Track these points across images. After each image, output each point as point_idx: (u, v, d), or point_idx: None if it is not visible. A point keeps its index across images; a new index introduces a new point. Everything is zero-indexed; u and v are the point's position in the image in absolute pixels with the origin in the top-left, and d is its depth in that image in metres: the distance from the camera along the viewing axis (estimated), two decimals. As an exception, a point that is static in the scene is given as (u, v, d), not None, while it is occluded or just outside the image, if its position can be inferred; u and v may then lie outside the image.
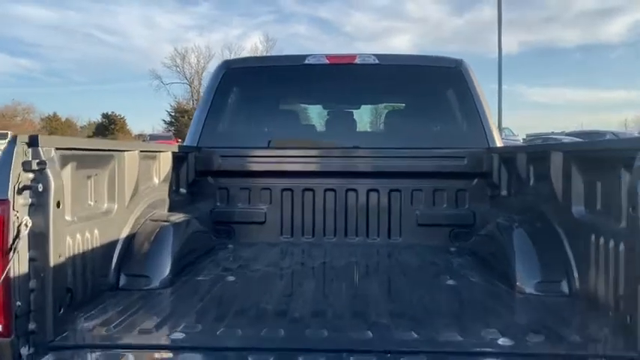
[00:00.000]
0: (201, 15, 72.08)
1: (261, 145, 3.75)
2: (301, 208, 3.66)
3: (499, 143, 3.65)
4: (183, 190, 3.47)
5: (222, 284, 2.55)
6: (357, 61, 3.78)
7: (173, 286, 2.51)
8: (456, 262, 3.05)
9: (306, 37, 67.40)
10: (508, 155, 3.30)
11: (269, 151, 3.71)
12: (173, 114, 54.74)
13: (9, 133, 31.00)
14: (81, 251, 2.11)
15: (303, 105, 4.73)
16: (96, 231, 2.23)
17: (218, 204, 3.71)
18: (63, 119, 61.85)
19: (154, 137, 32.26)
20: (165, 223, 2.75)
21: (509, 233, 2.71)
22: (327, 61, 3.78)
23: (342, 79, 3.85)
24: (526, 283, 2.43)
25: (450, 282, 2.60)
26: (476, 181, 3.63)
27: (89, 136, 55.45)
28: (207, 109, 3.76)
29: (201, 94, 3.92)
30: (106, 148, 2.35)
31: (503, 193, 3.38)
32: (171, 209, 3.14)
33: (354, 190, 3.65)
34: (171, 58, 52.17)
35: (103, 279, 2.36)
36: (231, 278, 2.64)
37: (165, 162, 3.07)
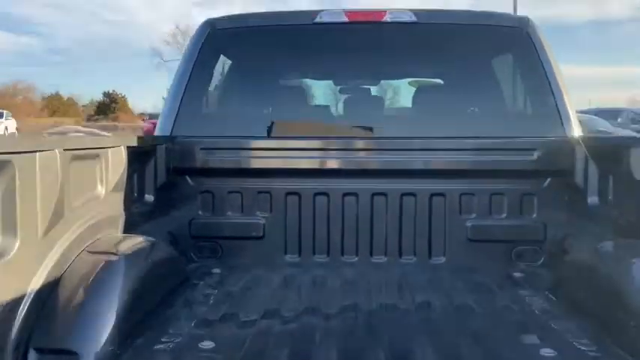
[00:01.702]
0: (203, -10, 70.00)
1: (258, 134, 2.80)
2: (312, 218, 2.73)
3: (579, 131, 2.69)
4: (149, 198, 2.54)
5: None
6: (387, 18, 2.78)
7: None
8: (535, 304, 2.12)
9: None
10: (605, 148, 2.34)
11: (268, 142, 2.76)
12: (175, 92, 53.48)
13: (4, 112, 30.06)
14: None
15: (313, 79, 3.70)
16: None
17: (200, 213, 2.77)
18: (65, 98, 61.05)
19: (153, 116, 31.20)
20: (112, 257, 1.83)
21: (634, 273, 1.77)
22: (347, 19, 2.79)
23: (367, 44, 2.87)
24: None
25: (548, 352, 1.67)
26: (548, 181, 2.68)
27: (91, 116, 54.55)
28: (183, 86, 2.78)
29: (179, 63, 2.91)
30: None
31: (592, 200, 2.43)
32: (128, 228, 2.22)
33: (383, 194, 2.71)
34: (172, 35, 50.52)
35: None
36: (207, 345, 1.73)
37: (116, 161, 2.13)
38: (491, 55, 2.98)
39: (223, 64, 3.06)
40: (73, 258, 1.78)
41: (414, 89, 3.26)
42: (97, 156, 2.00)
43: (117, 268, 1.80)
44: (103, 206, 2.03)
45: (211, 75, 2.96)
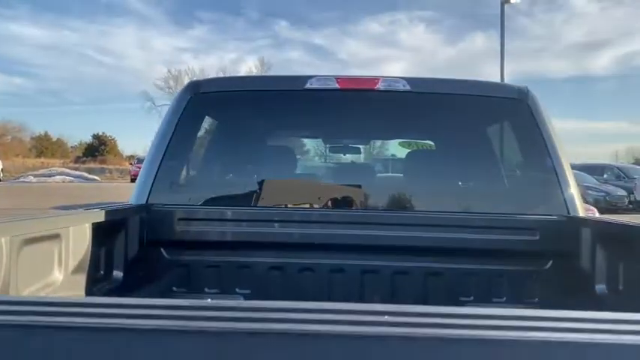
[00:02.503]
0: (196, 38, 71.45)
1: (240, 203, 2.61)
2: (296, 295, 2.51)
3: (582, 210, 2.53)
4: (117, 274, 2.30)
5: None
6: (380, 86, 2.66)
7: None
8: None
9: (302, 62, 66.93)
10: (615, 232, 2.17)
11: (251, 212, 2.57)
12: (165, 136, 53.41)
13: (-11, 153, 29.70)
14: None
15: (301, 147, 3.54)
16: None
17: (174, 289, 2.54)
18: (54, 139, 60.92)
19: (141, 160, 31.06)
20: None
21: None
22: (338, 86, 2.66)
23: (359, 113, 2.74)
24: None
25: None
26: (550, 264, 2.50)
27: (79, 157, 54.17)
28: (162, 151, 2.60)
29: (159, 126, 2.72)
30: None
31: (600, 288, 2.24)
32: None
33: (374, 271, 2.51)
34: (164, 79, 50.93)
35: None
36: None
37: (78, 239, 1.91)
38: (488, 126, 2.85)
39: (206, 128, 2.90)
40: None
41: (407, 159, 3.12)
42: (56, 236, 1.78)
43: None
44: (59, 293, 1.80)
45: (193, 140, 2.79)
